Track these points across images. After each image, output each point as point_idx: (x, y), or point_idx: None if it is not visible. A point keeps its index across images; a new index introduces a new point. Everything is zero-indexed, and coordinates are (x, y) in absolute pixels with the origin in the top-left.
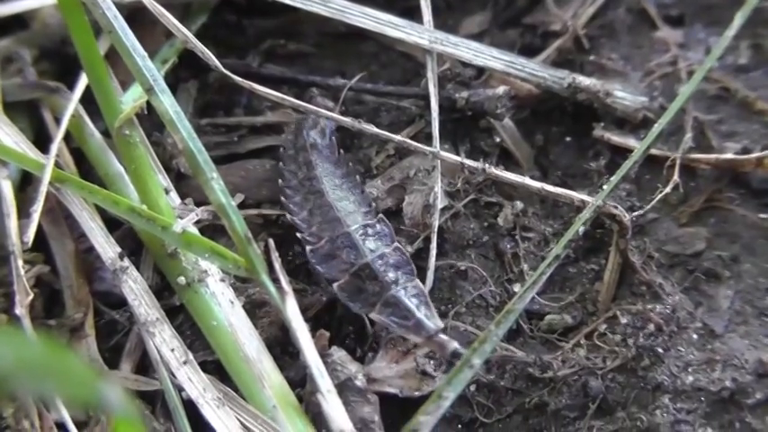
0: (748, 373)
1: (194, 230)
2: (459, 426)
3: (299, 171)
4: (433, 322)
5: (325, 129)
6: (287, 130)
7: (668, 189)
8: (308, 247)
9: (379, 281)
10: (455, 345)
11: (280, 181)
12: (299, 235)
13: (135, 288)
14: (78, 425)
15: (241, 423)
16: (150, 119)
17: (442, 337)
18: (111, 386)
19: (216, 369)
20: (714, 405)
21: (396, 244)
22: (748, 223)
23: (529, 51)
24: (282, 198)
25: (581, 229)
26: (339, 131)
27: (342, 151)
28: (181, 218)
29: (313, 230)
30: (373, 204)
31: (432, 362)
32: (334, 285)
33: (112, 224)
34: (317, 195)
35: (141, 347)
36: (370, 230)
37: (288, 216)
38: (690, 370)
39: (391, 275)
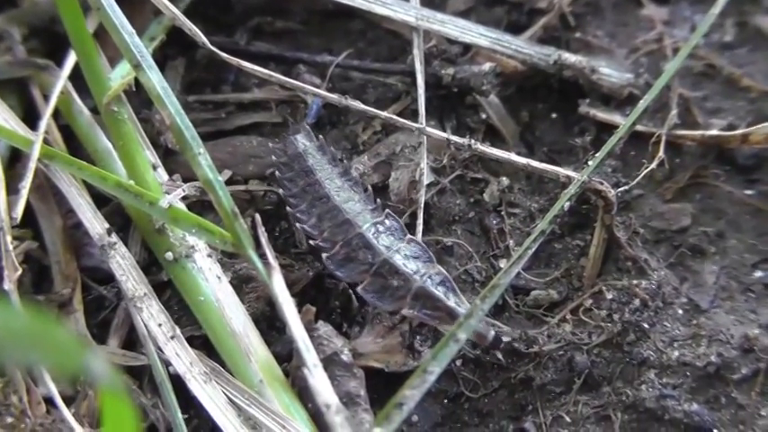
0: (734, 348)
1: (181, 206)
2: (446, 400)
3: (299, 179)
4: (464, 308)
5: (311, 132)
6: (274, 144)
7: (654, 165)
8: (323, 255)
9: (401, 274)
10: (493, 332)
11: (281, 191)
12: (311, 242)
13: (123, 263)
14: (66, 400)
15: (228, 398)
16: (138, 96)
17: (479, 325)
18: (97, 356)
19: (203, 344)
20: (700, 380)
21: (408, 236)
22: (734, 199)
23: (515, 28)
24: (288, 208)
25: (566, 205)
26: (326, 108)
27: (333, 149)
28: (168, 193)
29: (325, 236)
30: (378, 201)
31: (418, 337)
32: (358, 289)
33: (101, 200)
34: (322, 201)
35: (129, 323)
36: (381, 227)
37: (297, 225)
38: (675, 345)
39: (412, 266)
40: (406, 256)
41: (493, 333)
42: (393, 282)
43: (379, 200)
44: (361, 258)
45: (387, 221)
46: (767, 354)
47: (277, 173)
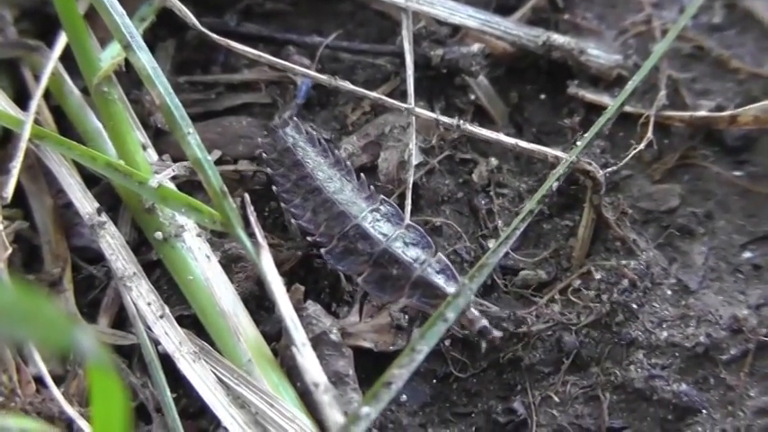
0: (722, 328)
1: (171, 185)
2: (434, 380)
3: (291, 173)
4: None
5: (299, 123)
6: (263, 140)
7: (642, 146)
8: (322, 250)
9: (401, 263)
10: (484, 322)
11: (274, 187)
12: (309, 239)
13: (112, 243)
14: (56, 379)
15: (217, 376)
16: (129, 77)
17: (474, 312)
18: (85, 332)
19: (192, 323)
20: (688, 360)
21: (407, 221)
22: (722, 180)
23: (504, 10)
24: (283, 204)
25: (555, 185)
26: (315, 89)
27: (323, 141)
28: (158, 173)
29: (322, 230)
30: (372, 188)
31: (406, 317)
32: (359, 280)
33: (90, 180)
34: (315, 193)
35: (118, 302)
36: (377, 215)
37: (293, 221)
38: (664, 326)
39: (412, 254)
40: (404, 243)
41: (484, 323)
42: (393, 271)
43: (372, 187)
44: (360, 250)
45: (382, 208)
46: (756, 334)
47: (269, 170)
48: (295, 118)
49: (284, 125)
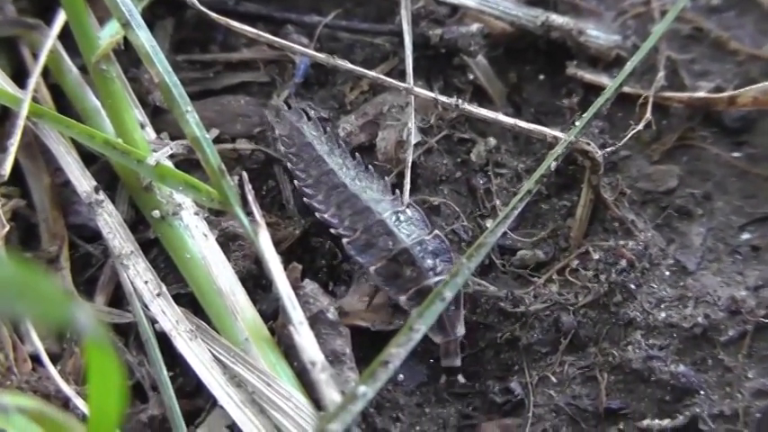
0: (720, 309)
1: (169, 164)
2: (431, 360)
3: (311, 168)
4: (455, 327)
5: (317, 120)
6: (272, 121)
7: (641, 126)
8: (344, 240)
9: (417, 267)
10: (458, 361)
11: (296, 182)
12: (332, 231)
13: (110, 221)
14: (52, 357)
15: (213, 355)
16: (128, 55)
17: (455, 346)
18: (82, 309)
19: (189, 302)
20: (686, 341)
21: (435, 231)
22: (720, 161)
23: None
24: (305, 199)
25: (553, 165)
26: (313, 68)
27: (343, 144)
28: (156, 151)
29: (346, 224)
30: (397, 192)
31: None
32: (371, 269)
33: (88, 158)
34: (339, 189)
35: (115, 280)
36: (402, 216)
37: (317, 215)
38: (662, 306)
39: (429, 263)
40: (426, 249)
41: (458, 362)
42: (407, 272)
43: (397, 191)
44: (381, 244)
45: (408, 211)
46: (754, 316)
47: (289, 164)
48: (315, 116)
49: (300, 117)
